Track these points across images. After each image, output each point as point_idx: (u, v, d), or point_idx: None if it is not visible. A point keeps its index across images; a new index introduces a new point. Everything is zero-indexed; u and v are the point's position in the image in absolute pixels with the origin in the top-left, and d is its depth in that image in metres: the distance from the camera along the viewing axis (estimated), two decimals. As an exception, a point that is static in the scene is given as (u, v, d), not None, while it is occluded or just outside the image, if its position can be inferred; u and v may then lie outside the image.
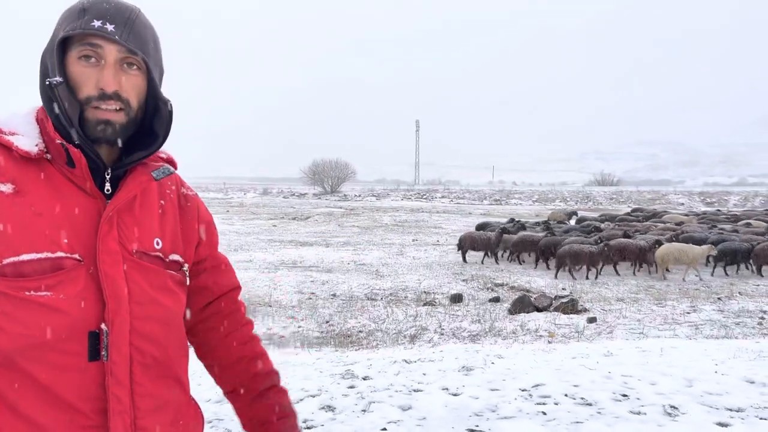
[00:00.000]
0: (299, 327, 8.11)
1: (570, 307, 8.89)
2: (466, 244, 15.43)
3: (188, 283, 1.42)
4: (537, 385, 4.96)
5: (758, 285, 12.07)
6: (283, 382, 1.55)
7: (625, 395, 4.68)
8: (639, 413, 4.28)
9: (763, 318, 8.44)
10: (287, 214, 35.06)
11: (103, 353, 1.19)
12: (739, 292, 10.92)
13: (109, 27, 1.20)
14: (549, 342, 7.00)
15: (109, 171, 1.27)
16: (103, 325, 1.19)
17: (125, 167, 1.29)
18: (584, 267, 13.15)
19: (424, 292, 11.08)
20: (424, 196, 61.26)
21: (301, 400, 4.71)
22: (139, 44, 1.24)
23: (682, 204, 51.68)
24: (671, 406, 4.39)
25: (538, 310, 8.98)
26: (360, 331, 7.83)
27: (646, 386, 4.89)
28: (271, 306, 9.63)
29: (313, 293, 10.80)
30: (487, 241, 15.29)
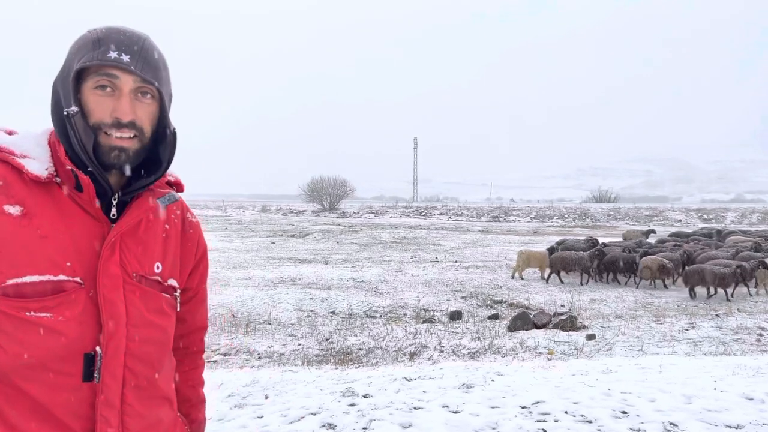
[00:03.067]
0: (299, 344, 8.11)
1: (569, 324, 8.91)
2: (557, 265, 15.10)
3: (179, 308, 1.44)
4: (537, 402, 4.98)
5: (756, 302, 12.10)
6: None
7: (624, 412, 4.70)
8: (639, 430, 4.30)
9: (761, 335, 8.47)
10: (286, 231, 35.06)
11: (96, 375, 1.21)
12: (737, 309, 10.95)
13: (125, 58, 1.23)
14: (548, 359, 7.02)
15: (116, 196, 1.29)
16: (98, 348, 1.22)
17: (132, 193, 1.31)
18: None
19: (423, 309, 11.09)
20: (423, 213, 61.34)
21: (302, 417, 4.72)
22: (152, 73, 1.27)
23: (680, 220, 51.80)
24: (671, 423, 4.41)
25: (537, 327, 9.00)
26: (360, 349, 7.84)
27: (646, 403, 4.91)
28: (270, 324, 9.63)
29: (312, 311, 10.80)
30: (579, 261, 14.91)
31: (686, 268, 13.18)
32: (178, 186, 1.47)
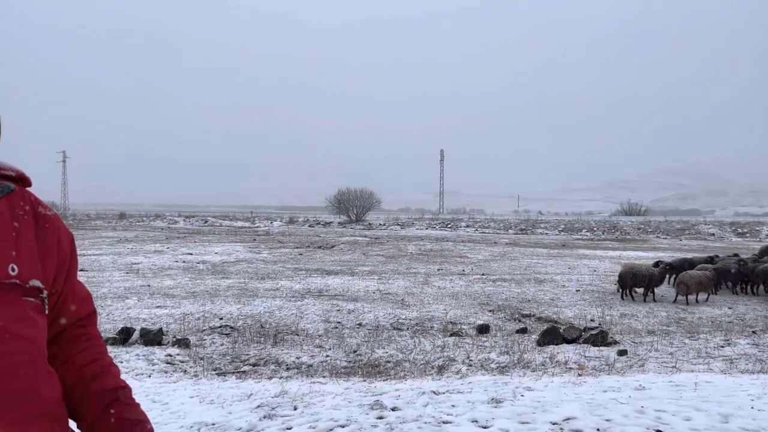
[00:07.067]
0: (327, 356, 8.13)
1: (600, 339, 8.77)
2: (627, 281, 14.62)
3: (47, 311, 1.31)
4: (568, 419, 4.90)
5: (794, 318, 11.75)
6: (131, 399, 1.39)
7: (659, 431, 4.60)
8: (674, 449, 4.20)
9: (800, 353, 8.22)
10: (313, 242, 35.24)
11: None
12: (775, 326, 10.65)
13: None
14: (579, 374, 6.91)
15: None
16: None
17: None
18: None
19: (451, 322, 11.02)
20: (449, 225, 61.08)
21: (331, 430, 4.73)
22: None
23: (713, 234, 50.66)
24: (707, 443, 4.30)
25: (567, 341, 8.87)
26: (387, 361, 7.82)
27: (681, 422, 4.80)
28: (298, 335, 9.68)
29: (339, 322, 10.82)
30: (650, 277, 14.50)
31: None
32: (23, 181, 1.34)
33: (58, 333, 1.39)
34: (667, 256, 24.16)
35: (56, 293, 1.35)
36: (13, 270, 1.20)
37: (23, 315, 1.21)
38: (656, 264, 15.85)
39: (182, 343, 8.50)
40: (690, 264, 17.35)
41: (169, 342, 8.58)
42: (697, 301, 13.90)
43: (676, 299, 14.01)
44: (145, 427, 1.38)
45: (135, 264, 21.20)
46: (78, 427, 1.39)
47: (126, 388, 1.43)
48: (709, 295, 14.21)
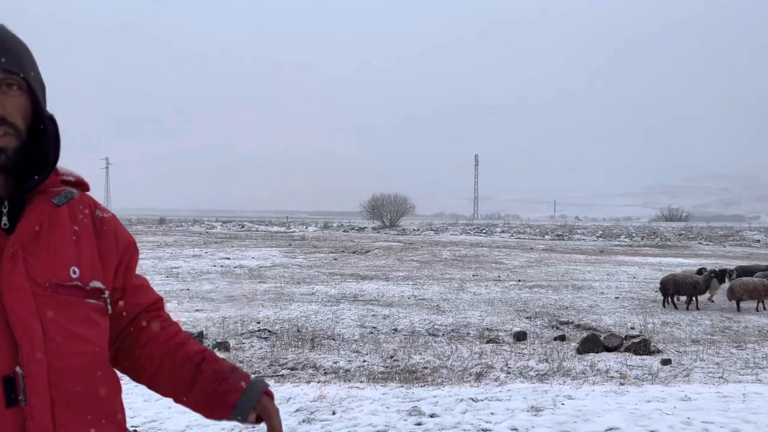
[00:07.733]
0: (364, 361, 8.14)
1: (642, 347, 8.57)
2: (669, 288, 14.13)
3: (110, 311, 1.34)
4: (610, 429, 4.81)
5: None
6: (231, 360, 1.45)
7: (706, 443, 4.47)
8: (723, 462, 4.08)
9: None
10: (347, 247, 35.40)
11: (20, 398, 1.11)
12: (827, 336, 10.25)
13: None
14: (621, 384, 6.77)
15: (6, 204, 1.19)
16: (18, 369, 1.12)
17: (23, 197, 1.20)
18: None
19: (487, 329, 10.92)
20: (484, 231, 60.66)
21: (370, 435, 4.73)
22: (15, 63, 1.17)
23: (758, 241, 49.10)
24: (758, 457, 4.16)
25: (608, 350, 8.70)
26: (425, 368, 7.79)
27: (729, 434, 4.66)
28: (334, 339, 9.72)
29: (374, 327, 10.83)
30: (694, 285, 14.02)
31: None
32: (82, 186, 1.36)
33: (131, 321, 1.43)
34: (710, 263, 23.53)
35: (119, 289, 1.39)
36: (74, 272, 1.23)
37: (86, 317, 1.24)
38: (700, 271, 15.39)
39: (222, 346, 8.63)
40: (746, 271, 16.78)
41: (209, 345, 8.72)
42: (738, 309, 13.46)
43: (739, 308, 13.44)
44: (240, 371, 1.42)
45: (174, 268, 21.62)
46: (178, 401, 1.43)
47: (209, 350, 1.47)
48: (758, 303, 13.70)
